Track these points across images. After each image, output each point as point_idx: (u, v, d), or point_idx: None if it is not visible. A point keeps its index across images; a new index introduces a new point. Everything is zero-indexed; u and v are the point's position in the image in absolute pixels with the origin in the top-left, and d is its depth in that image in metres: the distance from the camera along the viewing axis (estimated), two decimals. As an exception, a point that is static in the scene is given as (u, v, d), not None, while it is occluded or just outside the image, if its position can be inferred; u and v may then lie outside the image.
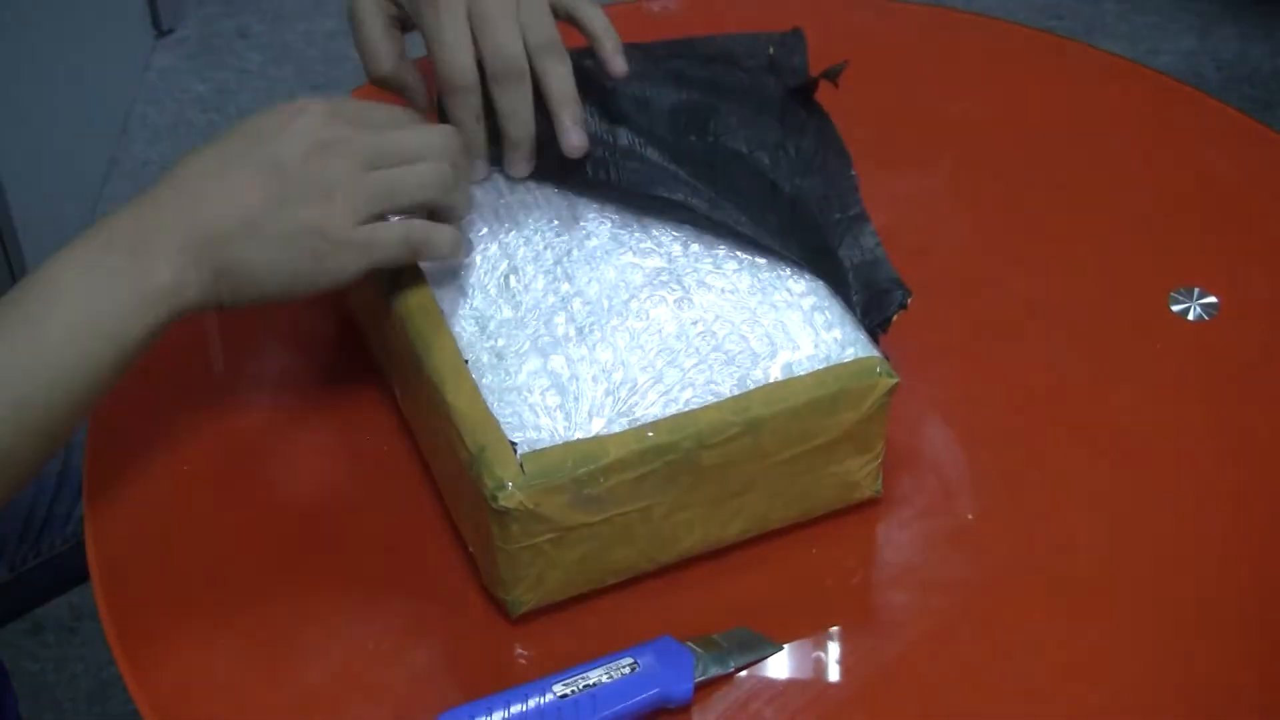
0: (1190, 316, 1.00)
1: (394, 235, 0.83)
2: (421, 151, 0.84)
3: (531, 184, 0.93)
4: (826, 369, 0.83)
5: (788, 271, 0.88)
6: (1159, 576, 0.87)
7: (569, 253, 0.89)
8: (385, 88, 0.95)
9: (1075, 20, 2.60)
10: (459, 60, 0.89)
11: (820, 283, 0.88)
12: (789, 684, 0.82)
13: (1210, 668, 0.82)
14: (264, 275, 0.81)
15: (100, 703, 1.63)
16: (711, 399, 0.81)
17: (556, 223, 0.91)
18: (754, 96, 0.96)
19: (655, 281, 0.87)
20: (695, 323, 0.85)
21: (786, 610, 0.85)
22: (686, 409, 0.81)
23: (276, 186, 0.80)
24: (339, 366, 0.97)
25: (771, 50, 0.99)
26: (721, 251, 0.89)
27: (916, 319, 0.99)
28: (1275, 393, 0.96)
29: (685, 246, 0.89)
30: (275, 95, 2.41)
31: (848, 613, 0.85)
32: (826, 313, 0.86)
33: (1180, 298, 1.01)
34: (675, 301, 0.86)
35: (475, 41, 0.89)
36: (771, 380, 0.82)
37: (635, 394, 0.81)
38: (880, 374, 0.83)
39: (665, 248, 0.89)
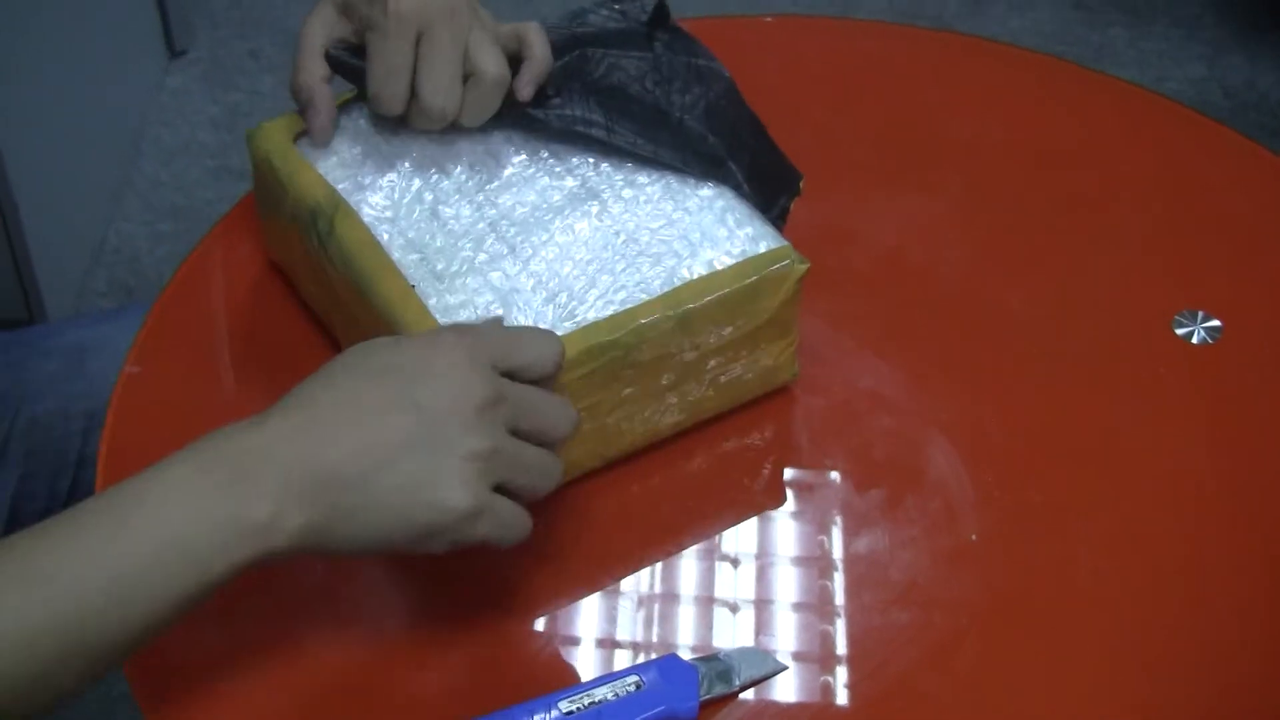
0: (1194, 340, 1.00)
1: (506, 519, 0.77)
2: (552, 429, 0.79)
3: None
4: (745, 260, 0.90)
5: (693, 180, 0.95)
6: (1161, 598, 0.87)
7: (489, 182, 0.95)
8: (295, 98, 0.96)
9: (1084, 47, 2.61)
10: (390, 90, 0.92)
11: (725, 187, 0.95)
12: (794, 702, 0.82)
13: (1213, 690, 0.83)
14: (373, 528, 0.74)
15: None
16: (644, 297, 0.88)
17: (470, 158, 0.96)
18: (618, 35, 1.00)
19: (574, 199, 0.94)
20: (618, 233, 0.92)
21: (799, 637, 0.86)
22: (623, 308, 0.87)
23: (414, 431, 0.74)
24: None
25: (618, 5, 1.03)
26: (630, 167, 0.96)
27: (921, 338, 1.00)
28: (1278, 416, 0.97)
29: (595, 167, 0.96)
30: (287, 117, 2.42)
31: (852, 631, 0.86)
32: (736, 212, 0.94)
33: (1184, 321, 1.01)
34: (596, 214, 0.93)
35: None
36: (696, 276, 0.89)
37: (574, 299, 0.88)
38: (792, 262, 0.91)
39: (576, 170, 0.96)
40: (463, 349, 0.77)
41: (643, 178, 0.95)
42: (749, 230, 0.92)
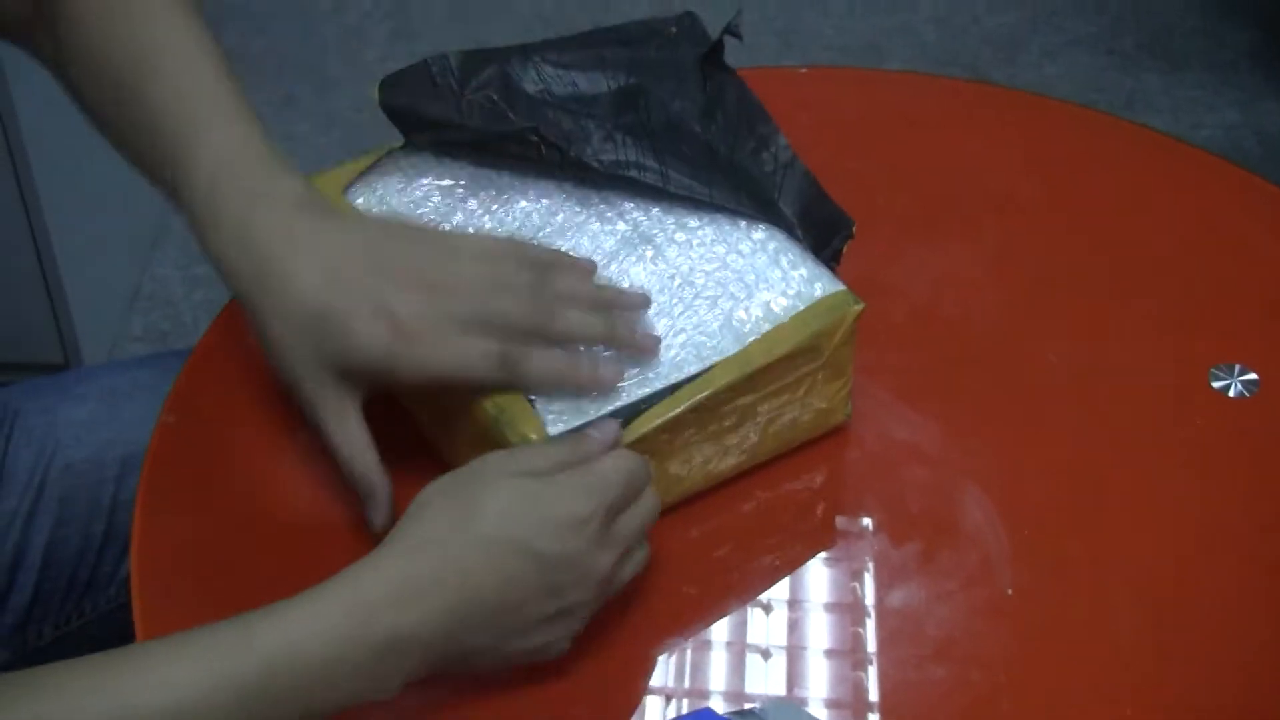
0: (1231, 393, 1.00)
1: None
2: (642, 532, 0.85)
3: (490, 172, 0.98)
4: (807, 309, 0.91)
5: (744, 222, 0.95)
6: (1200, 654, 0.86)
7: (542, 229, 0.95)
8: (353, 485, 0.89)
9: (1117, 93, 2.61)
10: (493, 343, 0.86)
11: (776, 228, 0.95)
12: (828, 757, 0.82)
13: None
14: (490, 669, 0.82)
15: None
16: (704, 339, 0.89)
17: (523, 203, 0.96)
18: (672, 69, 1.01)
19: (627, 244, 0.94)
20: (672, 276, 0.92)
21: (833, 690, 0.85)
22: (684, 353, 0.89)
23: (546, 608, 0.80)
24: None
25: (674, 29, 1.04)
26: (681, 210, 0.96)
27: (956, 390, 1.00)
28: (1316, 470, 0.96)
29: (646, 211, 0.96)
30: (323, 161, 2.43)
31: (887, 686, 0.85)
32: (789, 253, 0.94)
33: (1221, 374, 1.01)
34: (651, 259, 0.93)
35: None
36: (753, 318, 0.90)
37: None
38: (849, 304, 0.92)
39: (628, 214, 0.96)
40: (600, 514, 0.81)
41: (694, 221, 0.95)
42: (803, 271, 0.93)
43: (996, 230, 1.14)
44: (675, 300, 0.91)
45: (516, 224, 0.95)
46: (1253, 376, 1.01)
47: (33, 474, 1.12)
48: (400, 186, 0.98)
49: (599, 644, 0.85)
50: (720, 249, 0.94)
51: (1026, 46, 2.71)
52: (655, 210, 0.96)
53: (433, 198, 0.97)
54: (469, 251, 0.89)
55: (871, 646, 0.87)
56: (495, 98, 0.97)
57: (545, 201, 0.96)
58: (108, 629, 1.17)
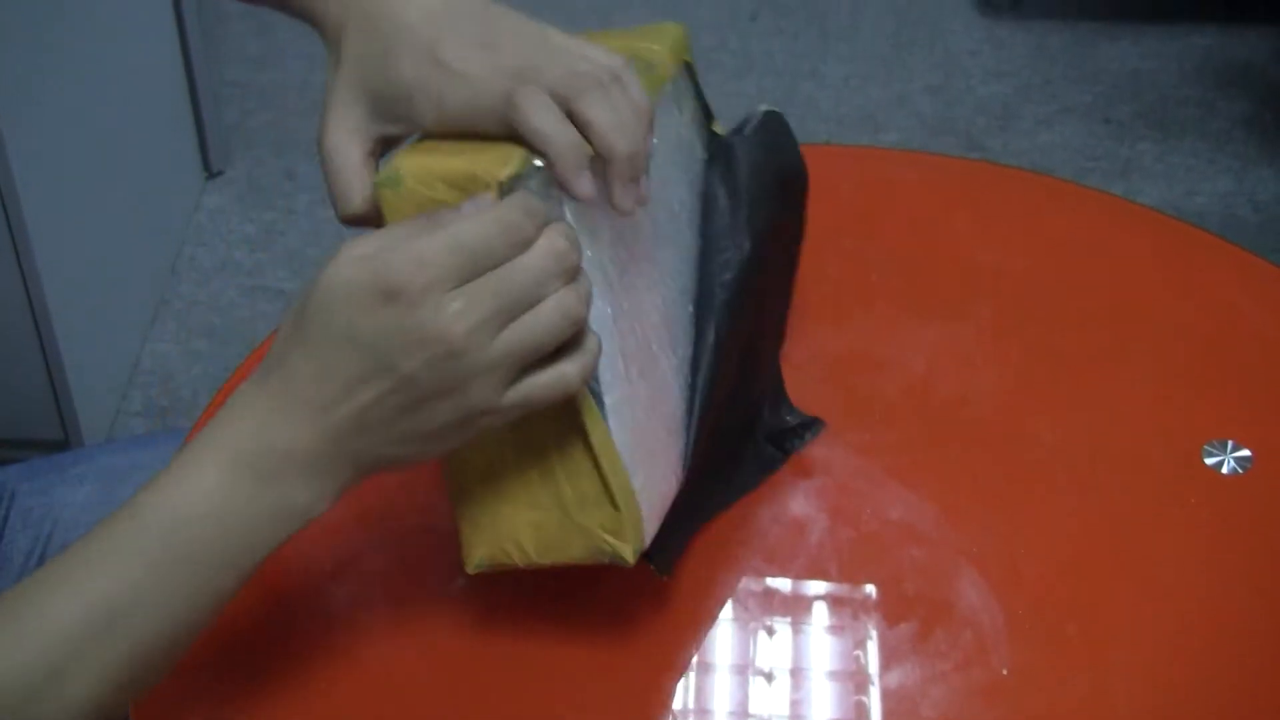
0: (1224, 470, 1.00)
1: (544, 392, 0.78)
2: (543, 283, 0.76)
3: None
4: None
5: None
6: (1195, 733, 0.86)
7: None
8: (355, 224, 0.86)
9: (1113, 162, 2.63)
10: (513, 83, 0.80)
11: None
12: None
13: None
14: (414, 461, 0.78)
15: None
16: None
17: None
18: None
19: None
20: None
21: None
22: None
23: (415, 397, 0.75)
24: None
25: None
26: None
27: (950, 469, 1.00)
28: (1311, 547, 0.96)
29: None
30: (322, 236, 2.45)
31: (883, 768, 0.85)
32: None
33: (1214, 450, 1.01)
34: None
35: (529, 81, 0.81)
36: None
37: None
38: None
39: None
40: (427, 282, 0.74)
41: None
42: None
43: (990, 307, 1.14)
44: None
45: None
46: (1246, 453, 1.01)
47: (29, 557, 1.12)
48: None
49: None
50: None
51: (1021, 115, 2.73)
52: None
53: None
54: (556, 34, 0.83)
55: (867, 728, 0.87)
56: None
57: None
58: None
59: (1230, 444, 1.01)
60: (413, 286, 0.73)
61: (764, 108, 1.01)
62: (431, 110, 0.82)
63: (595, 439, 0.82)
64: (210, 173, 2.59)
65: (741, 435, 1.00)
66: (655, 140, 0.85)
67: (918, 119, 2.73)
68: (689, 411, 0.92)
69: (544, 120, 0.78)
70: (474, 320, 0.74)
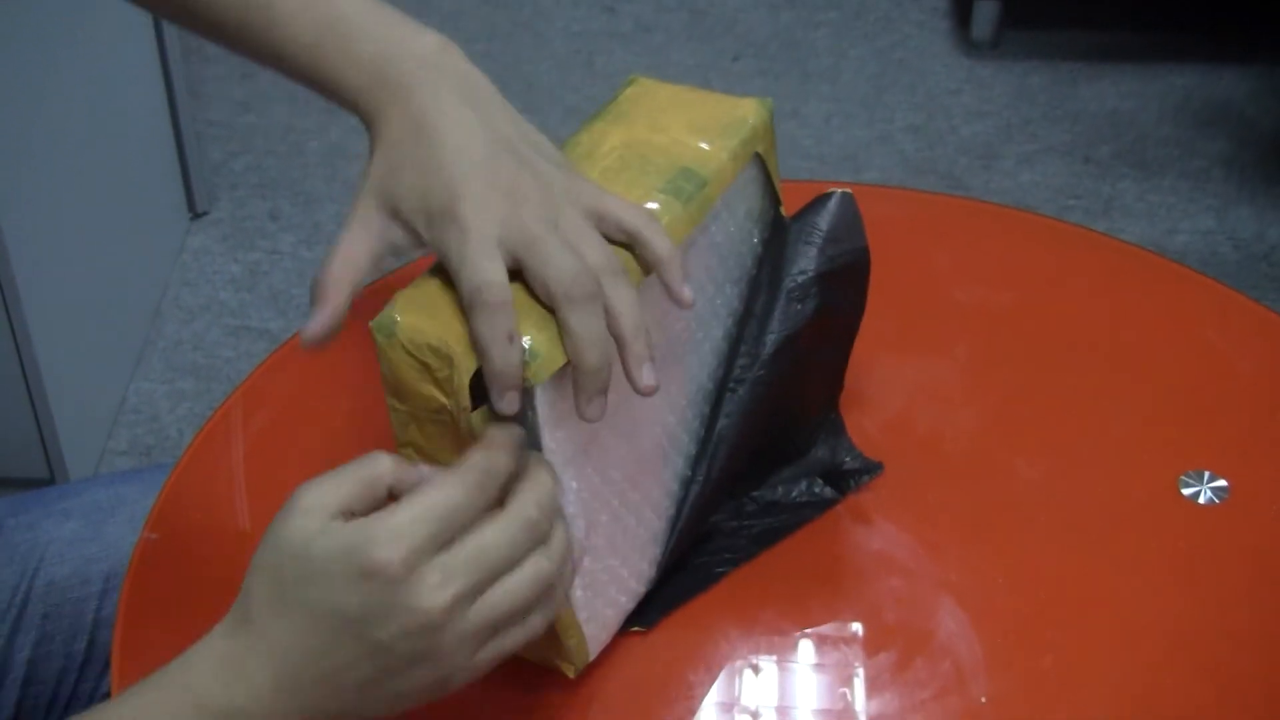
0: (1201, 500, 1.01)
1: (514, 644, 0.78)
2: (517, 554, 0.77)
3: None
4: None
5: None
6: (1172, 761, 0.87)
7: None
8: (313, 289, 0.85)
9: (1094, 200, 2.64)
10: (490, 275, 0.80)
11: None
12: None
13: None
14: (382, 716, 0.78)
15: None
16: None
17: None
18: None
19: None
20: None
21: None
22: None
23: (389, 664, 0.75)
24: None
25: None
26: None
27: (928, 501, 1.01)
28: (1286, 576, 0.97)
29: None
30: (306, 276, 2.46)
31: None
32: None
33: (1190, 481, 1.02)
34: None
35: (524, 268, 0.81)
36: None
37: None
38: None
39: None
40: (408, 555, 0.74)
41: None
42: None
43: (968, 342, 1.15)
44: None
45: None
46: (1222, 483, 1.02)
47: (15, 591, 1.12)
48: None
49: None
50: None
51: (1002, 154, 2.74)
52: None
53: None
54: (581, 197, 0.84)
55: (848, 757, 0.88)
56: None
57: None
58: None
59: (1207, 474, 1.02)
60: (393, 565, 0.73)
61: (840, 191, 1.01)
62: (437, 251, 0.83)
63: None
64: (195, 213, 2.60)
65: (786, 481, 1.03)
66: (694, 247, 0.89)
67: (900, 158, 2.74)
68: (678, 511, 0.94)
69: (492, 332, 0.79)
70: (452, 594, 0.74)
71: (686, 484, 0.94)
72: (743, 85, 2.88)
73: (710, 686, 0.92)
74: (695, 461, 0.95)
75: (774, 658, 0.93)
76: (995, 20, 2.96)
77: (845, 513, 1.00)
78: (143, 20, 2.34)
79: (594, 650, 0.90)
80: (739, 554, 0.98)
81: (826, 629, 0.95)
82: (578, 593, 0.87)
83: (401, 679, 0.75)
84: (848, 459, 1.03)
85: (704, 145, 0.90)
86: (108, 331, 2.27)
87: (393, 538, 0.73)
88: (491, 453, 0.77)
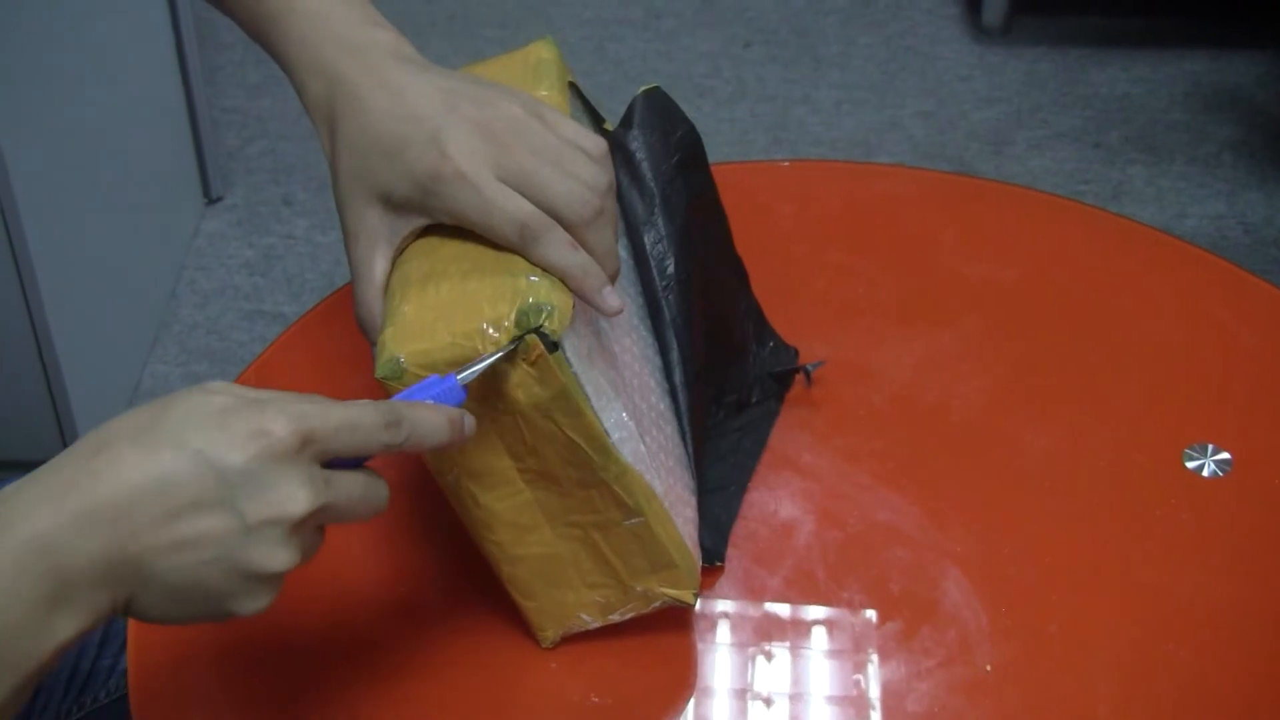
0: (1205, 473, 1.02)
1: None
2: (367, 515, 0.77)
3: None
4: None
5: None
6: (1174, 726, 0.88)
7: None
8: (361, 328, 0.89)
9: (1103, 185, 2.65)
10: (520, 209, 0.84)
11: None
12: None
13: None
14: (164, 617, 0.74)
15: None
16: None
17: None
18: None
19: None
20: None
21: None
22: None
23: (212, 533, 0.71)
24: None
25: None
26: None
27: (935, 473, 1.02)
28: (1288, 547, 0.98)
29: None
30: (320, 260, 2.47)
31: (869, 761, 0.87)
32: None
33: (1194, 454, 1.03)
34: None
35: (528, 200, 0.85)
36: None
37: None
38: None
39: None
40: (270, 436, 0.71)
41: None
42: None
43: (976, 317, 1.16)
44: None
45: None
46: (1225, 456, 1.03)
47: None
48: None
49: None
50: None
51: (1013, 140, 2.75)
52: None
53: None
54: (551, 123, 0.88)
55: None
56: None
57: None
58: (108, 720, 1.18)
59: (1210, 447, 1.03)
60: (286, 439, 0.71)
61: (643, 89, 1.02)
62: (445, 217, 0.86)
63: (650, 515, 0.87)
64: (209, 198, 2.62)
65: (735, 391, 1.05)
66: None
67: (910, 144, 2.75)
68: (681, 426, 0.97)
69: (563, 256, 0.84)
70: (320, 502, 0.73)
71: (673, 394, 0.98)
72: (753, 71, 2.89)
73: (715, 659, 0.93)
74: (666, 372, 0.98)
75: (781, 629, 0.95)
76: (1005, 6, 2.97)
77: (852, 484, 1.02)
78: (158, 6, 2.35)
79: (697, 562, 0.92)
80: (744, 471, 1.02)
81: (833, 599, 0.96)
82: (678, 519, 0.90)
83: (213, 563, 0.70)
84: (784, 357, 1.08)
85: (543, 93, 0.93)
86: (123, 315, 2.29)
87: (297, 416, 0.72)
88: (421, 408, 0.78)
